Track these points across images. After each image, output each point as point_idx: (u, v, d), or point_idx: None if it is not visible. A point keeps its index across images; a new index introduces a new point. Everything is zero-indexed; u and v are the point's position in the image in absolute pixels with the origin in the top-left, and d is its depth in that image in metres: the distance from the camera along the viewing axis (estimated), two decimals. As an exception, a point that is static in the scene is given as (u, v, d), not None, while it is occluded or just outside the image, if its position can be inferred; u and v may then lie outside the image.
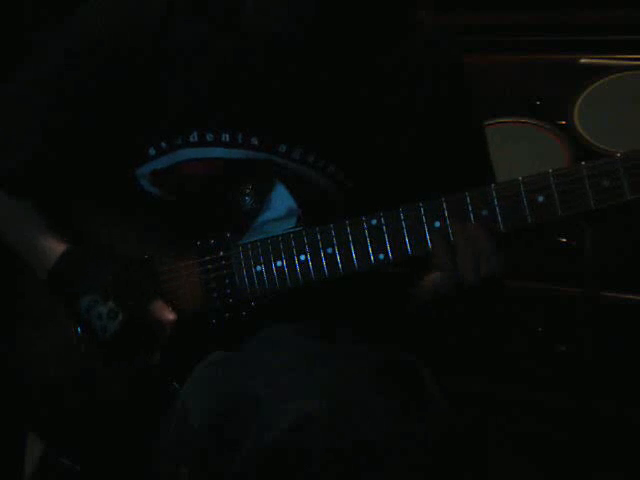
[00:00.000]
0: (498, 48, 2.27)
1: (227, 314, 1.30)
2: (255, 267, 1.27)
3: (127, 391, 1.32)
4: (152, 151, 1.30)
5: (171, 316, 1.28)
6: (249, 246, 1.28)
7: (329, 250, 1.23)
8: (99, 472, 1.35)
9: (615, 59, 2.12)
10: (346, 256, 1.22)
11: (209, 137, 1.28)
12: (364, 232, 1.21)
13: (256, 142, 1.28)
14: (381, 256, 1.20)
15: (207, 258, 1.30)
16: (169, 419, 1.22)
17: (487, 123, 2.05)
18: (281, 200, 1.31)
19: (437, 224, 1.17)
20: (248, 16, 1.26)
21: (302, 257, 1.24)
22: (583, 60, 2.16)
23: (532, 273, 2.02)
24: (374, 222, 1.20)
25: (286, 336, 1.22)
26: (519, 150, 2.03)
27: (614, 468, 1.84)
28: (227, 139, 1.28)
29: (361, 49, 1.29)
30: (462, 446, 1.07)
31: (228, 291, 1.29)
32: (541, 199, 1.12)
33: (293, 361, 1.15)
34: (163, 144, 1.29)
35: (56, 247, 1.31)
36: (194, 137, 1.28)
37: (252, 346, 1.23)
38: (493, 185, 1.15)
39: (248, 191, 1.31)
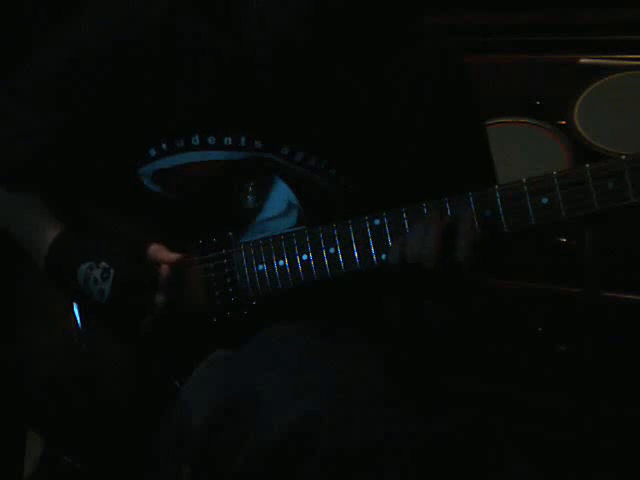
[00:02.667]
0: (498, 48, 2.27)
1: (228, 313, 1.30)
2: (257, 266, 1.27)
3: (128, 390, 1.32)
4: (153, 152, 1.30)
5: (172, 255, 1.26)
6: (251, 245, 1.28)
7: (331, 250, 1.23)
8: (100, 471, 1.35)
9: (615, 59, 2.12)
10: (348, 256, 1.22)
11: (211, 140, 1.28)
12: (367, 232, 1.21)
13: (259, 145, 1.28)
14: (384, 256, 1.20)
15: (209, 257, 1.30)
16: (169, 419, 1.22)
17: (487, 123, 2.05)
18: (281, 197, 1.31)
19: None
20: (249, 18, 1.26)
21: (304, 257, 1.24)
22: (583, 60, 2.16)
23: (532, 273, 2.02)
24: (377, 222, 1.20)
25: (287, 336, 1.22)
26: (519, 150, 2.02)
27: (614, 468, 1.84)
28: (229, 142, 1.28)
29: (363, 51, 1.29)
30: (462, 447, 1.07)
31: (230, 290, 1.29)
32: (545, 201, 1.12)
33: (294, 361, 1.15)
34: (164, 145, 1.29)
35: (54, 231, 1.31)
36: (196, 140, 1.28)
37: (253, 345, 1.23)
38: (497, 186, 1.15)
39: (249, 190, 1.31)
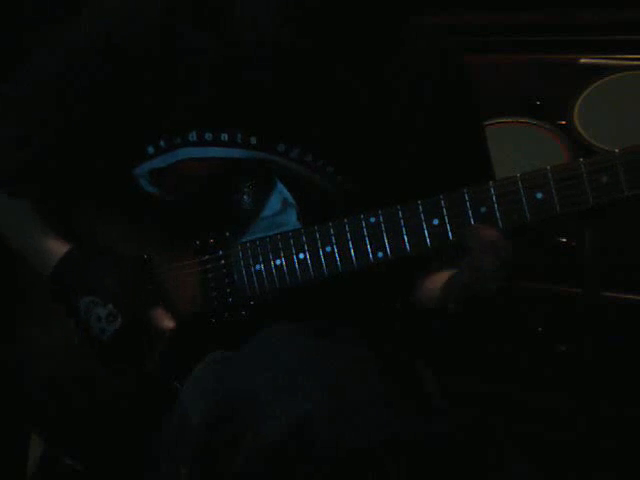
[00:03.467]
0: (498, 48, 2.27)
1: (227, 314, 1.30)
2: (254, 266, 1.27)
3: (128, 391, 1.32)
4: (150, 149, 1.30)
5: (171, 324, 1.28)
6: (248, 245, 1.28)
7: (328, 249, 1.23)
8: (100, 471, 1.35)
9: (615, 59, 2.12)
10: (345, 254, 1.22)
11: (207, 136, 1.28)
12: (363, 230, 1.21)
13: (255, 142, 1.28)
14: (380, 254, 1.20)
15: (206, 257, 1.30)
16: (169, 419, 1.22)
17: (487, 123, 2.05)
18: (278, 197, 1.31)
19: (435, 222, 1.18)
20: (241, 18, 1.26)
21: (301, 256, 1.24)
22: (583, 60, 2.15)
23: (532, 273, 2.01)
24: (373, 220, 1.20)
25: (286, 336, 1.22)
26: (519, 150, 2.02)
27: (614, 468, 1.84)
28: (226, 139, 1.28)
29: (361, 51, 1.30)
30: (462, 447, 1.07)
31: (227, 290, 1.29)
32: (540, 196, 1.12)
33: (293, 361, 1.15)
34: (162, 143, 1.29)
35: (57, 248, 1.31)
36: (193, 136, 1.28)
37: (252, 346, 1.23)
38: (491, 182, 1.15)
39: (247, 190, 1.31)
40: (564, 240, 1.97)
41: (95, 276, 1.29)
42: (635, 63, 2.09)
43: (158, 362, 1.29)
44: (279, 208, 1.31)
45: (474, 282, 1.18)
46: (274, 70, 1.27)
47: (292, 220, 1.31)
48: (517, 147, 2.04)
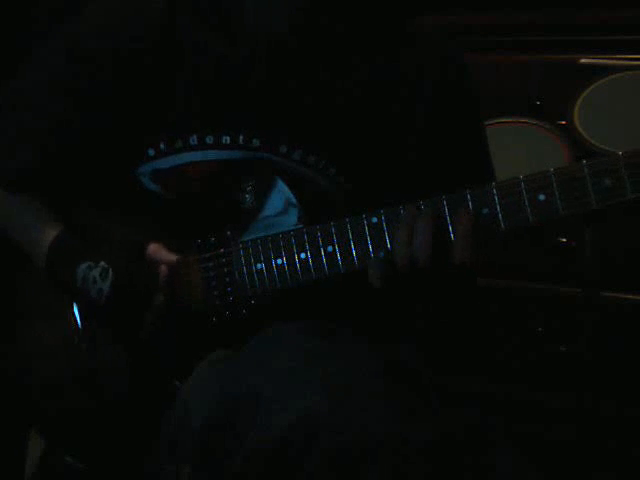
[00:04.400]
0: (498, 48, 2.27)
1: (227, 312, 1.30)
2: (255, 265, 1.27)
3: (128, 390, 1.32)
4: (151, 152, 1.30)
5: (171, 256, 1.26)
6: (249, 244, 1.28)
7: (329, 248, 1.22)
8: (100, 471, 1.35)
9: (615, 59, 2.12)
10: (346, 254, 1.22)
11: (209, 139, 1.28)
12: (364, 230, 1.21)
13: (257, 144, 1.28)
14: (382, 254, 1.20)
15: (207, 256, 1.30)
16: (170, 418, 1.22)
17: (487, 123, 2.05)
18: (280, 196, 1.31)
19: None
20: (245, 18, 1.26)
21: (302, 255, 1.24)
22: (583, 60, 2.16)
23: (532, 273, 2.02)
24: (374, 220, 1.20)
25: (286, 335, 1.22)
26: (519, 150, 2.03)
27: (614, 468, 1.84)
28: (227, 141, 1.28)
29: (361, 52, 1.30)
30: (462, 447, 1.07)
31: (228, 289, 1.29)
32: (542, 198, 1.12)
33: (293, 360, 1.15)
34: (162, 146, 1.29)
35: (53, 231, 1.31)
36: (194, 140, 1.28)
37: (252, 345, 1.23)
38: (494, 183, 1.15)
39: (248, 189, 1.31)
40: (564, 240, 1.97)
41: (88, 244, 1.29)
42: (635, 63, 2.10)
43: (159, 311, 1.28)
44: (282, 209, 1.31)
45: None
46: (275, 72, 1.27)
47: (292, 217, 1.31)
48: (517, 147, 2.04)
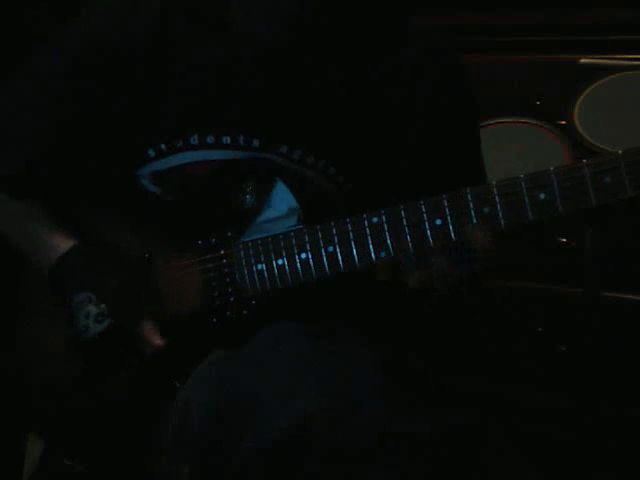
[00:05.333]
0: (498, 48, 2.27)
1: (228, 313, 1.30)
2: (256, 265, 1.27)
3: (128, 391, 1.32)
4: (151, 152, 1.30)
5: (158, 341, 1.27)
6: (250, 244, 1.28)
7: (330, 248, 1.23)
8: (100, 471, 1.35)
9: (615, 59, 2.12)
10: (347, 254, 1.22)
11: (209, 139, 1.28)
12: (365, 230, 1.21)
13: (257, 144, 1.28)
14: (382, 254, 1.20)
15: (208, 257, 1.30)
16: (170, 419, 1.22)
17: (487, 123, 2.06)
18: (281, 198, 1.31)
19: (438, 222, 1.17)
20: (238, 18, 1.26)
21: (303, 255, 1.24)
22: (583, 60, 2.16)
23: (532, 273, 2.02)
24: (375, 220, 1.20)
25: (287, 336, 1.22)
26: (519, 150, 2.03)
27: (614, 468, 1.83)
28: (228, 141, 1.28)
29: (360, 52, 1.30)
30: (462, 446, 1.07)
31: (229, 290, 1.29)
32: (542, 196, 1.12)
33: (293, 361, 1.15)
34: (162, 146, 1.29)
35: (61, 243, 1.31)
36: (194, 139, 1.28)
37: (253, 345, 1.23)
38: (495, 182, 1.15)
39: (249, 190, 1.31)
40: (564, 240, 1.97)
41: (96, 274, 1.29)
42: (635, 63, 2.10)
43: (131, 374, 1.28)
44: (284, 212, 1.31)
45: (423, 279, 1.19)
46: (272, 73, 1.27)
47: (293, 217, 1.31)
48: (517, 147, 2.04)
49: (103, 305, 1.26)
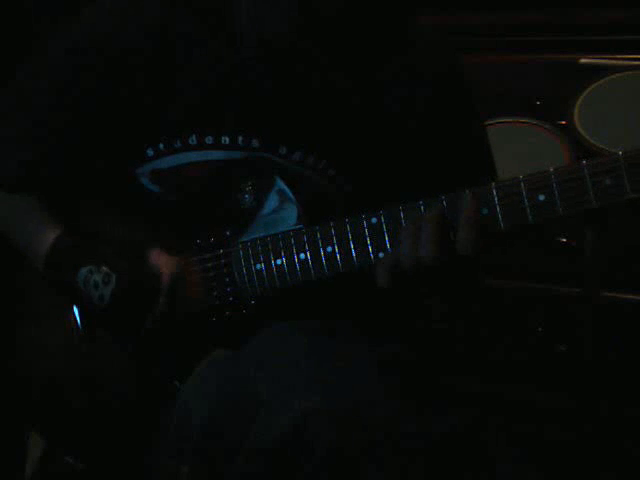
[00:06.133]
0: (498, 48, 2.27)
1: (227, 312, 1.30)
2: (255, 265, 1.27)
3: (128, 390, 1.32)
4: (150, 152, 1.30)
5: (171, 261, 1.26)
6: (249, 244, 1.28)
7: (329, 249, 1.23)
8: (100, 471, 1.35)
9: (615, 59, 2.12)
10: (346, 254, 1.22)
11: (208, 140, 1.28)
12: (364, 230, 1.21)
13: (257, 144, 1.28)
14: (381, 254, 1.20)
15: (207, 256, 1.30)
16: (170, 418, 1.22)
17: (487, 123, 2.05)
18: (280, 198, 1.31)
19: None
20: (241, 22, 1.26)
21: (302, 255, 1.24)
22: (583, 60, 2.16)
23: (532, 273, 2.02)
24: (374, 220, 1.20)
25: (287, 335, 1.22)
26: (519, 150, 2.03)
27: (614, 468, 1.84)
28: (227, 142, 1.28)
29: (360, 53, 1.30)
30: (462, 446, 1.07)
31: (228, 289, 1.29)
32: (542, 198, 1.12)
33: (294, 360, 1.15)
34: (161, 146, 1.29)
35: (53, 232, 1.31)
36: (193, 140, 1.28)
37: (253, 345, 1.23)
38: (493, 183, 1.15)
39: (248, 189, 1.31)
40: (564, 240, 1.97)
41: (90, 247, 1.29)
42: (635, 63, 2.10)
43: (160, 318, 1.27)
44: (277, 204, 1.31)
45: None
46: (274, 73, 1.27)
47: (292, 217, 1.31)
48: (517, 147, 2.04)
49: (103, 267, 1.26)
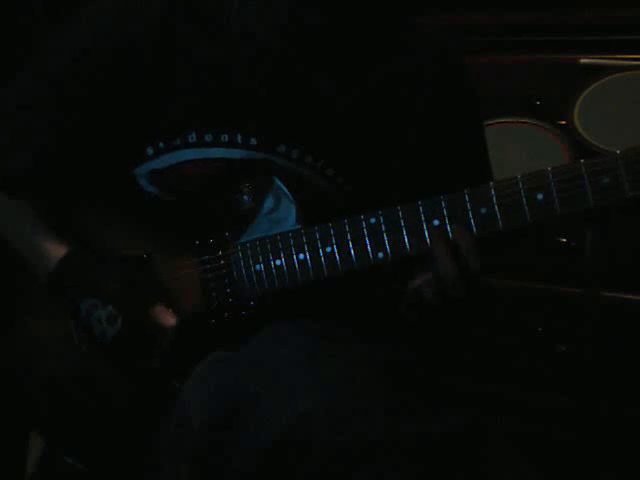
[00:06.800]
0: (498, 48, 2.27)
1: (226, 314, 1.30)
2: (254, 266, 1.27)
3: (128, 391, 1.32)
4: (150, 151, 1.30)
5: (172, 320, 1.27)
6: (248, 245, 1.28)
7: (328, 249, 1.23)
8: (100, 471, 1.35)
9: (615, 59, 2.12)
10: (345, 255, 1.22)
11: (208, 138, 1.28)
12: (363, 231, 1.21)
13: (255, 142, 1.28)
14: (380, 255, 1.20)
15: (206, 258, 1.30)
16: (169, 419, 1.22)
17: (487, 123, 2.05)
18: (279, 199, 1.31)
19: (436, 222, 1.17)
20: (236, 19, 1.26)
21: (301, 256, 1.24)
22: (583, 60, 2.16)
23: (532, 273, 2.02)
24: (373, 221, 1.20)
25: (286, 336, 1.22)
26: (519, 150, 2.03)
27: (614, 468, 1.84)
28: (226, 139, 1.28)
29: (360, 54, 1.30)
30: (462, 446, 1.07)
31: (227, 290, 1.29)
32: (540, 197, 1.12)
33: (293, 361, 1.15)
34: (161, 144, 1.29)
35: (56, 250, 1.31)
36: (192, 137, 1.28)
37: (252, 345, 1.23)
38: (492, 183, 1.15)
39: (247, 190, 1.31)
40: (564, 240, 1.97)
41: (95, 278, 1.29)
42: (635, 63, 2.10)
43: (159, 361, 1.29)
44: (273, 203, 1.31)
45: (426, 287, 1.19)
46: (270, 73, 1.27)
47: (290, 218, 1.31)
48: (517, 147, 2.04)
49: (109, 307, 1.26)
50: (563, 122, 2.04)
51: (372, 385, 1.12)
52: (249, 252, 1.28)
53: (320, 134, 1.29)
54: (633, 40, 2.12)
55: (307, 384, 1.10)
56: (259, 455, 1.08)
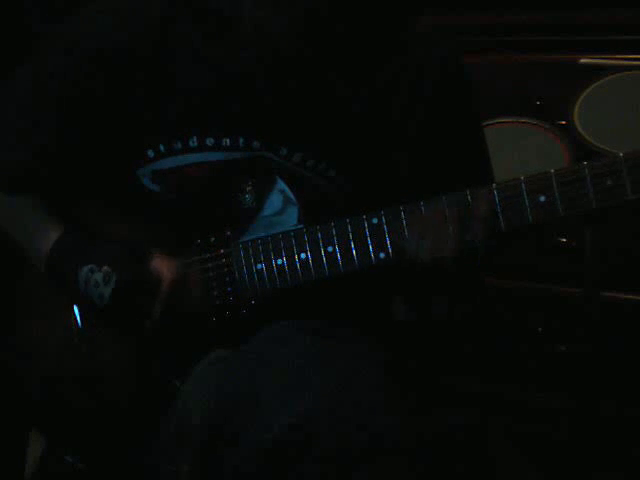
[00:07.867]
0: (498, 48, 2.27)
1: (227, 313, 1.30)
2: (256, 265, 1.27)
3: (128, 390, 1.32)
4: (150, 153, 1.30)
5: (168, 272, 1.26)
6: (249, 244, 1.28)
7: (330, 249, 1.23)
8: (100, 471, 1.35)
9: (615, 59, 2.12)
10: (347, 254, 1.22)
11: (209, 142, 1.28)
12: (365, 230, 1.21)
13: (258, 145, 1.28)
14: (382, 254, 1.20)
15: (207, 256, 1.30)
16: (169, 418, 1.22)
17: (487, 123, 2.06)
18: (281, 198, 1.31)
19: None
20: (245, 22, 1.26)
21: (303, 255, 1.24)
22: (583, 60, 2.16)
23: (532, 273, 2.02)
24: (375, 220, 1.20)
25: (286, 335, 1.22)
26: (519, 150, 2.03)
27: (614, 468, 1.84)
28: (228, 143, 1.28)
29: (360, 55, 1.29)
30: (462, 446, 1.07)
31: (228, 289, 1.29)
32: (543, 199, 1.12)
33: (293, 360, 1.15)
34: (161, 147, 1.29)
35: (54, 233, 1.31)
36: (194, 142, 1.28)
37: (252, 345, 1.23)
38: (494, 184, 1.15)
39: (248, 189, 1.31)
40: (564, 240, 1.97)
41: (92, 249, 1.29)
42: (635, 63, 2.10)
43: (158, 320, 1.28)
44: (280, 207, 1.31)
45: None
46: (276, 77, 1.27)
47: (292, 217, 1.31)
48: (517, 147, 2.04)
49: (104, 266, 1.26)
50: (563, 122, 2.04)
51: (372, 385, 1.12)
52: (250, 251, 1.28)
53: (322, 136, 1.29)
54: (633, 40, 2.13)
55: (307, 384, 1.10)
56: (259, 455, 1.07)
